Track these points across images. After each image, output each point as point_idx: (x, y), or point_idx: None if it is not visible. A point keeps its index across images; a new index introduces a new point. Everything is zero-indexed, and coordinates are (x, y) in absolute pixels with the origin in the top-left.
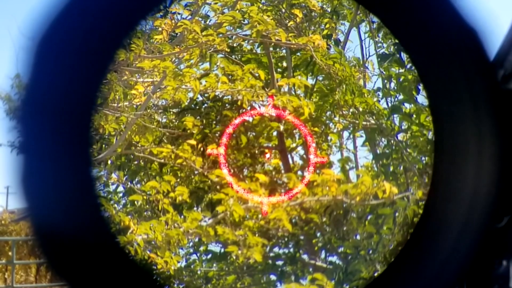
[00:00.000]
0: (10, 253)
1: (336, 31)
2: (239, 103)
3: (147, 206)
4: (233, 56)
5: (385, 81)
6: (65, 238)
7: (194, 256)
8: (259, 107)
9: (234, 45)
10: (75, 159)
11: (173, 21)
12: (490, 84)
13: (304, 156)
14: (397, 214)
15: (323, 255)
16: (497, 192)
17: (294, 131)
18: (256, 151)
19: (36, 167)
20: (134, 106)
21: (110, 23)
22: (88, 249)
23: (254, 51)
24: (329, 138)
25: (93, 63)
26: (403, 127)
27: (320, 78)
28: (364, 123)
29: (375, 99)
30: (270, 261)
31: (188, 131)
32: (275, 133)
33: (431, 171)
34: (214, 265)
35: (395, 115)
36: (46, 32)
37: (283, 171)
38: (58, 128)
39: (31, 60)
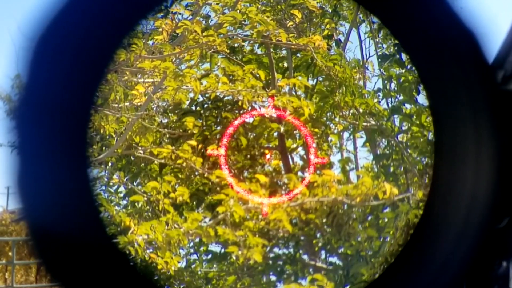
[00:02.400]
0: (10, 253)
1: (337, 31)
2: (239, 103)
3: (148, 207)
4: (234, 57)
5: (386, 81)
6: (61, 239)
7: (194, 257)
8: (260, 107)
9: (235, 45)
10: (73, 160)
11: (173, 21)
12: (489, 86)
13: (305, 156)
14: (398, 218)
15: (323, 256)
16: (496, 193)
17: (295, 131)
18: (256, 152)
19: (32, 168)
20: (135, 106)
21: (109, 23)
22: (84, 251)
23: (255, 51)
24: (329, 139)
25: (92, 63)
26: (403, 128)
27: (321, 79)
28: (364, 124)
29: (375, 100)
30: (270, 262)
31: (189, 131)
32: (275, 134)
33: (431, 172)
34: (215, 265)
35: (396, 116)
36: (44, 32)
37: (283, 172)
38: (56, 129)
39: (29, 60)
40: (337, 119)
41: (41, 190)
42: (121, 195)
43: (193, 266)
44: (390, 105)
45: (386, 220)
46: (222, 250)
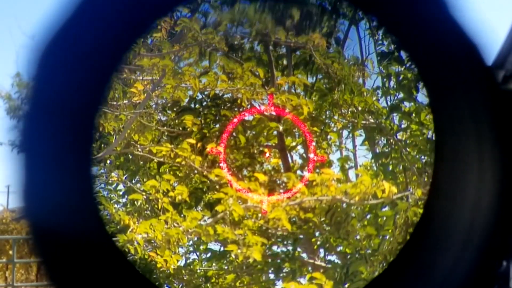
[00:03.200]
0: (10, 252)
1: (336, 29)
2: (238, 101)
3: (147, 205)
4: (234, 54)
5: (385, 79)
6: (62, 238)
7: (193, 255)
8: (259, 105)
9: (235, 43)
10: (75, 159)
11: (172, 19)
12: (489, 85)
13: (304, 155)
14: (397, 216)
15: (322, 254)
16: (500, 193)
17: (294, 130)
18: (256, 151)
19: (35, 167)
20: (133, 104)
21: (119, 27)
22: (85, 250)
23: (255, 49)
24: (328, 137)
25: (101, 66)
26: (402, 126)
27: (320, 77)
28: (363, 122)
29: (374, 98)
30: (269, 260)
31: (188, 129)
32: (274, 132)
33: (432, 171)
34: (214, 264)
35: (395, 114)
36: (54, 34)
37: (282, 171)
38: (61, 128)
39: (38, 61)
40: (336, 117)
41: (43, 189)
42: (120, 193)
43: (192, 265)
44: (389, 103)
45: (385, 218)
46: (221, 249)
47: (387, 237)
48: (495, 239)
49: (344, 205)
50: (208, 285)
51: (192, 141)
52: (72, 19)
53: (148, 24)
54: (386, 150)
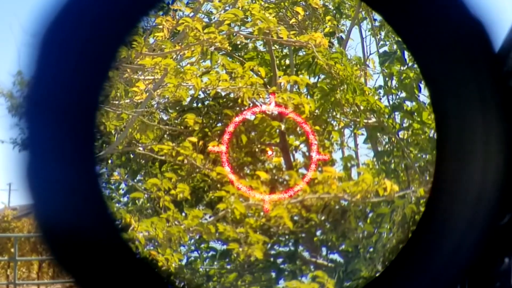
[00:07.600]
0: (12, 250)
1: (338, 29)
2: (240, 100)
3: (148, 204)
4: (237, 54)
5: (387, 79)
6: (71, 234)
7: (195, 254)
8: (261, 104)
9: (238, 42)
10: (81, 155)
11: (174, 18)
12: (498, 79)
13: (307, 153)
14: (394, 213)
15: (324, 253)
16: (502, 189)
17: (297, 128)
18: (257, 149)
19: (42, 164)
20: (135, 103)
21: (113, 20)
22: (94, 245)
23: (258, 48)
24: (331, 136)
25: (97, 60)
26: (404, 125)
27: (322, 77)
28: (365, 121)
29: (376, 97)
30: (271, 259)
31: (189, 128)
32: (277, 131)
33: (434, 169)
34: (215, 262)
35: (397, 113)
36: (50, 29)
37: (284, 169)
38: (64, 125)
39: (35, 56)
40: (338, 116)
41: (50, 185)
42: (122, 192)
43: (193, 264)
44: (391, 102)
45: (382, 215)
46: (223, 247)
47: (384, 234)
48: (495, 236)
49: (346, 203)
50: (210, 284)
51: (194, 139)
52: (65, 13)
53: (140, 17)
54: (388, 149)
